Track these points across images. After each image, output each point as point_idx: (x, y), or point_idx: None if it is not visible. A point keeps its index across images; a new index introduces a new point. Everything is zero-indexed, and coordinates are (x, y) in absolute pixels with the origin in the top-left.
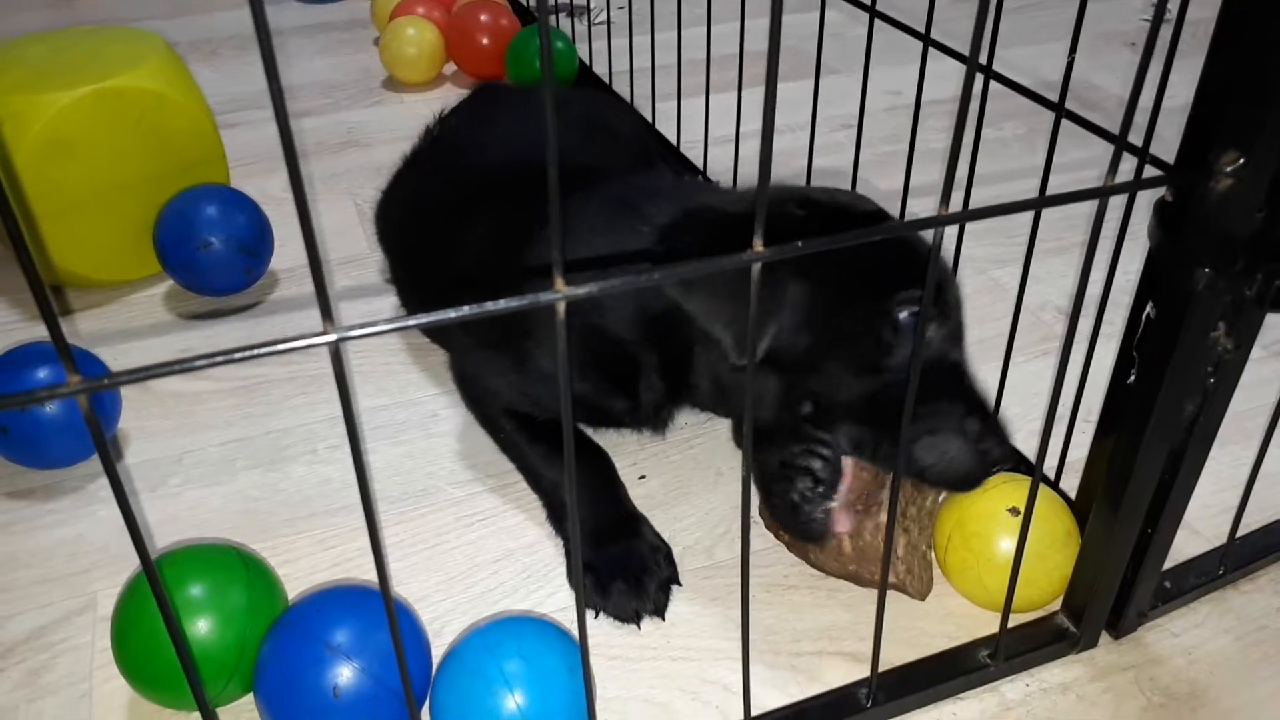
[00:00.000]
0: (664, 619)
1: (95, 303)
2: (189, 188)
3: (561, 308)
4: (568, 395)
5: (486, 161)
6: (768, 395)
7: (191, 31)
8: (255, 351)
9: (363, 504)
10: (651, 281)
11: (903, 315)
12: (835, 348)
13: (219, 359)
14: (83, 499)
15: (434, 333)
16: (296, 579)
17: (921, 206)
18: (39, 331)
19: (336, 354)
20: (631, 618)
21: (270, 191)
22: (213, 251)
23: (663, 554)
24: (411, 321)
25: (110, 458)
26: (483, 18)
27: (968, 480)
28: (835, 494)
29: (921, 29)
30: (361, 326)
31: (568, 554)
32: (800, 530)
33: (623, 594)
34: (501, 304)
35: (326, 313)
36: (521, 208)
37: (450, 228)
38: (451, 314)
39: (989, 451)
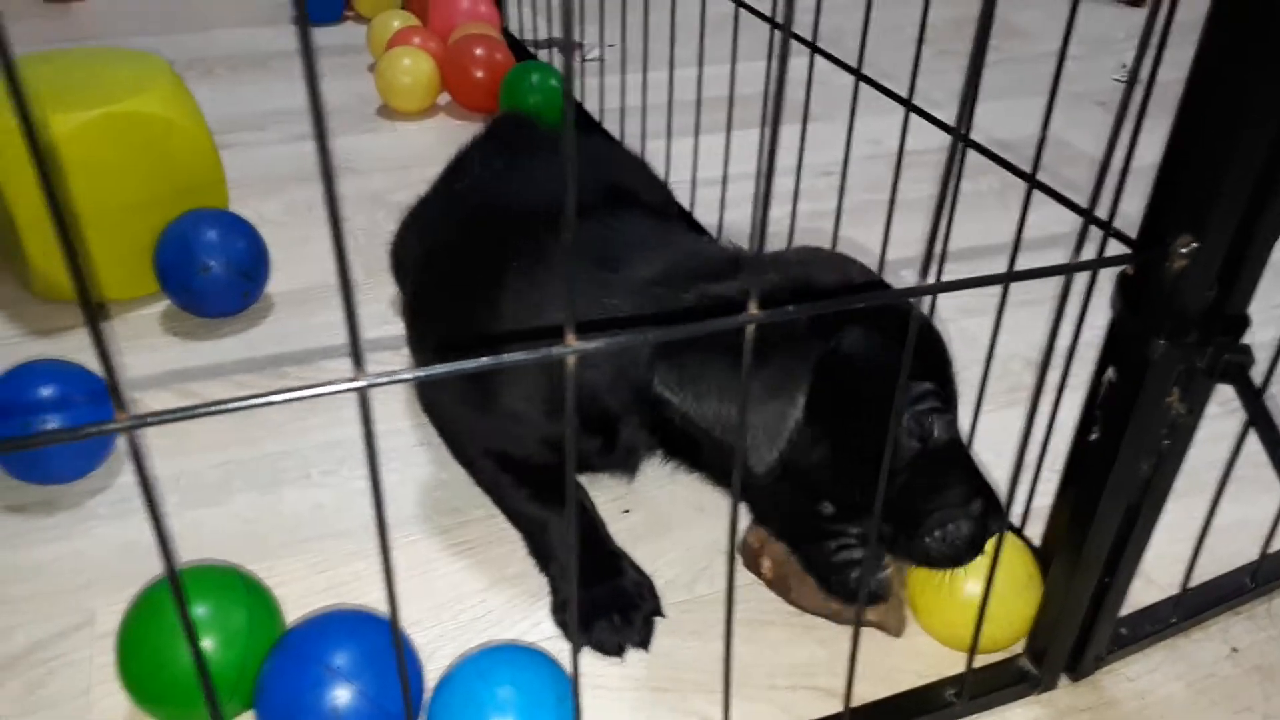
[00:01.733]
0: (648, 650)
1: None
2: (190, 211)
3: (571, 361)
4: (572, 450)
5: (503, 205)
6: (784, 499)
7: (187, 50)
8: (288, 395)
9: (380, 541)
10: (652, 339)
11: (920, 411)
12: (855, 452)
13: (257, 401)
14: (80, 515)
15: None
16: (291, 601)
17: (900, 260)
18: (37, 347)
19: (364, 399)
20: (615, 650)
21: (266, 214)
22: (212, 275)
23: (645, 587)
24: (438, 370)
25: (154, 497)
26: (478, 52)
27: (967, 559)
28: (885, 561)
29: (903, 84)
30: (389, 374)
31: (553, 590)
32: (869, 601)
33: (605, 630)
34: (518, 357)
35: (358, 360)
36: (528, 254)
37: (458, 271)
38: (469, 365)
39: (989, 528)
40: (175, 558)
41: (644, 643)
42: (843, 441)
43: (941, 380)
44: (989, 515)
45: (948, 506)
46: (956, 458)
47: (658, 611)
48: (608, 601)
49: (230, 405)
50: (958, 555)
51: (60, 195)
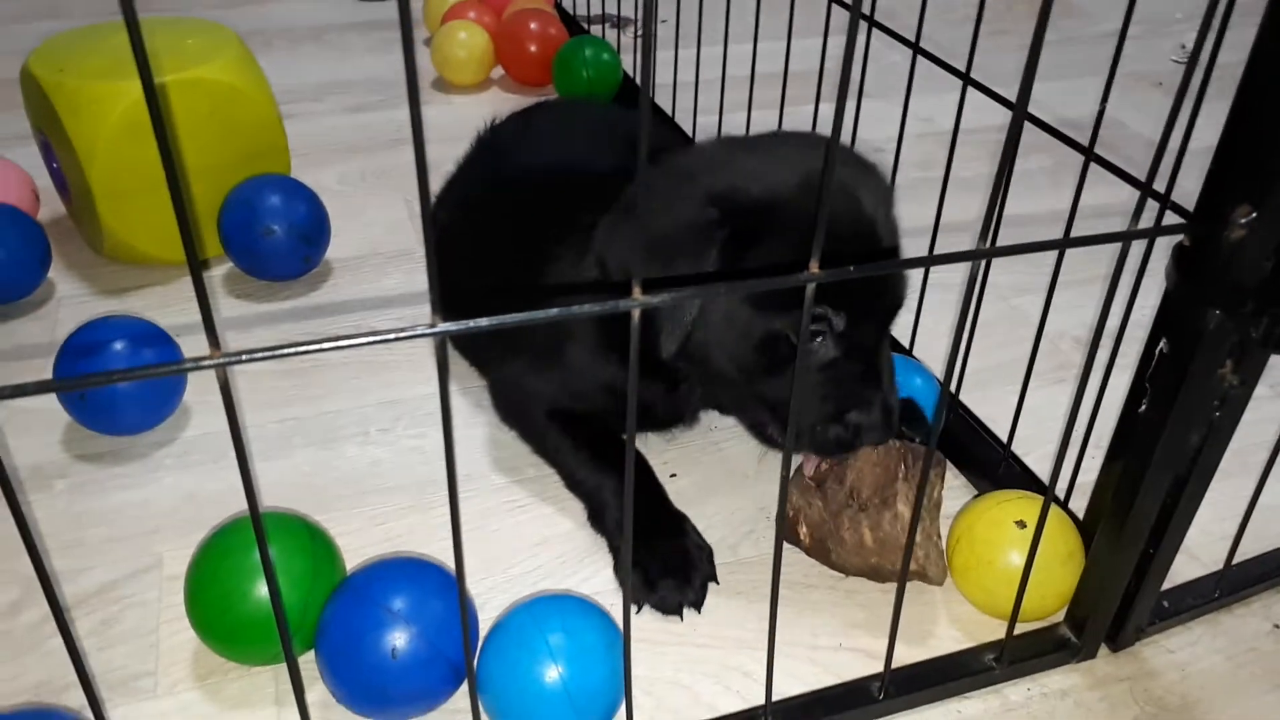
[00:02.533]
0: (699, 612)
1: (158, 280)
2: (254, 176)
3: (636, 314)
4: (634, 402)
5: (525, 174)
6: (715, 380)
7: (247, 22)
8: (372, 339)
9: (450, 493)
10: (720, 294)
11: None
12: (735, 357)
13: (342, 343)
14: (149, 465)
15: (467, 350)
16: (349, 552)
17: (951, 239)
18: (107, 305)
19: (443, 344)
20: (675, 610)
21: (324, 183)
22: (275, 239)
23: (705, 554)
24: (510, 319)
25: (238, 428)
26: (532, 26)
27: (834, 453)
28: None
29: (955, 61)
30: (465, 323)
31: (613, 550)
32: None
33: (670, 589)
34: (587, 308)
35: (436, 307)
36: (551, 220)
37: (486, 237)
38: (540, 315)
39: (860, 437)
40: (257, 494)
41: (698, 604)
42: (722, 344)
43: (852, 299)
44: (864, 428)
45: (828, 412)
46: (852, 371)
47: (712, 576)
48: (671, 562)
49: (316, 346)
50: (825, 450)
51: (175, 156)
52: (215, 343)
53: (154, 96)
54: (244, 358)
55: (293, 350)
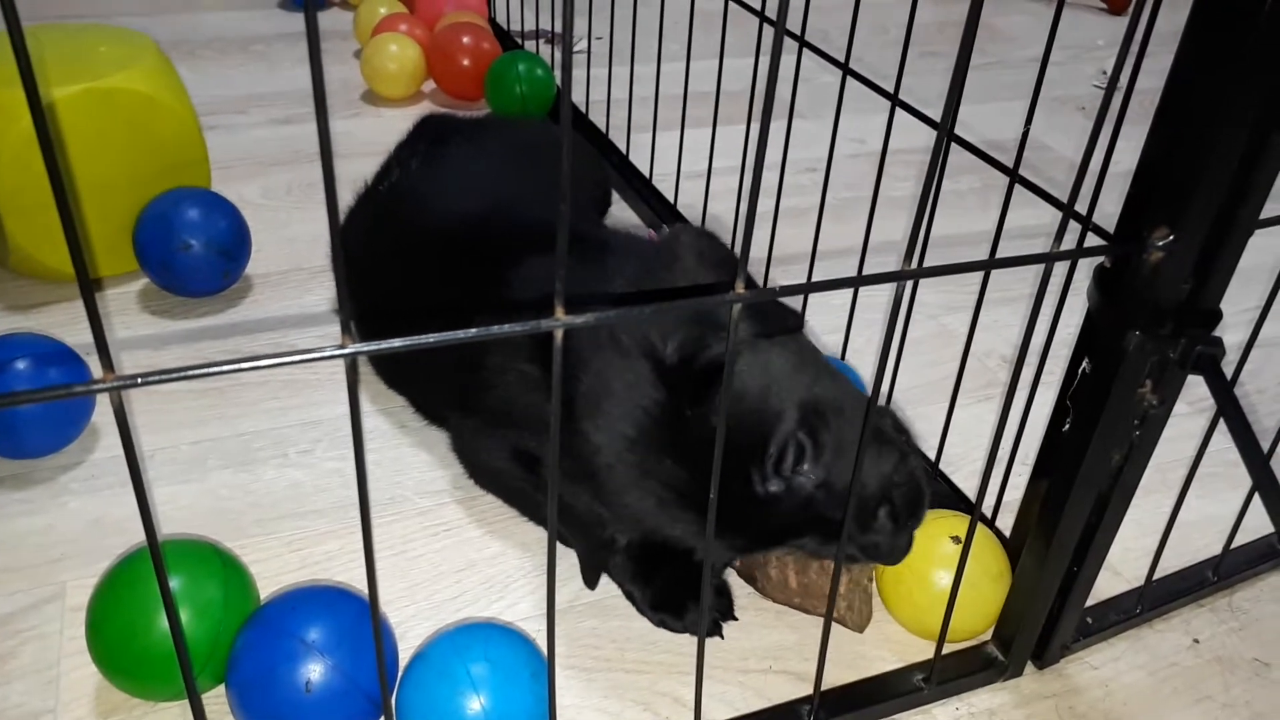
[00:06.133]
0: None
1: (66, 296)
2: (171, 189)
3: (559, 335)
4: (557, 424)
5: (435, 211)
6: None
7: (171, 31)
8: (277, 360)
9: (361, 518)
10: (644, 317)
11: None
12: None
13: (245, 365)
14: (53, 490)
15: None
16: (264, 579)
17: (880, 262)
18: (12, 322)
19: (353, 366)
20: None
21: (247, 196)
22: (192, 254)
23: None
24: (425, 340)
25: (135, 454)
26: (465, 40)
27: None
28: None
29: (887, 83)
30: (376, 343)
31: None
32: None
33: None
34: (506, 328)
35: (347, 327)
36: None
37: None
38: (460, 335)
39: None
40: (155, 521)
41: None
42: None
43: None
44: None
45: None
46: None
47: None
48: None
49: (218, 369)
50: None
51: (62, 168)
52: (109, 365)
53: (39, 105)
54: (139, 381)
55: (196, 373)
